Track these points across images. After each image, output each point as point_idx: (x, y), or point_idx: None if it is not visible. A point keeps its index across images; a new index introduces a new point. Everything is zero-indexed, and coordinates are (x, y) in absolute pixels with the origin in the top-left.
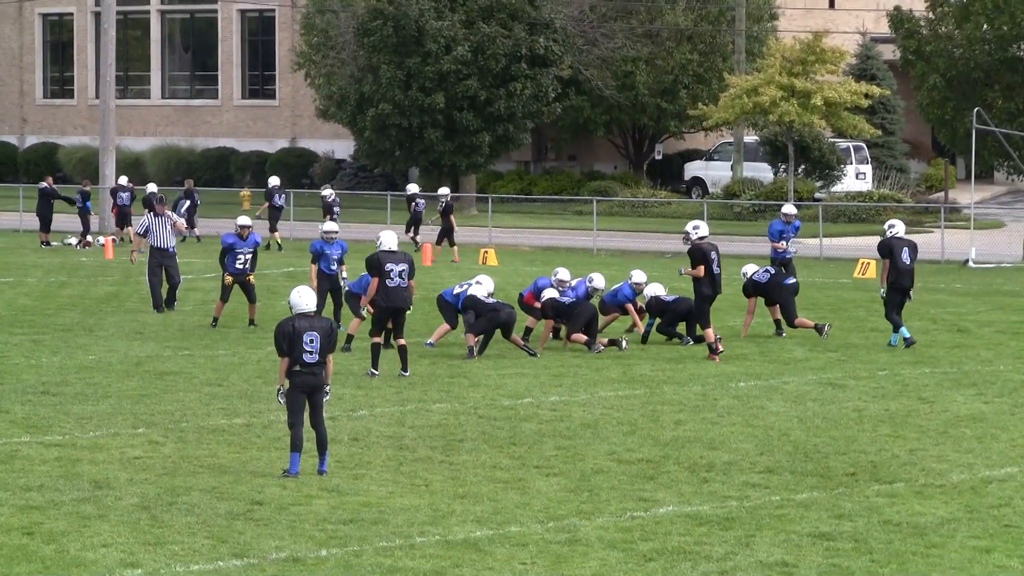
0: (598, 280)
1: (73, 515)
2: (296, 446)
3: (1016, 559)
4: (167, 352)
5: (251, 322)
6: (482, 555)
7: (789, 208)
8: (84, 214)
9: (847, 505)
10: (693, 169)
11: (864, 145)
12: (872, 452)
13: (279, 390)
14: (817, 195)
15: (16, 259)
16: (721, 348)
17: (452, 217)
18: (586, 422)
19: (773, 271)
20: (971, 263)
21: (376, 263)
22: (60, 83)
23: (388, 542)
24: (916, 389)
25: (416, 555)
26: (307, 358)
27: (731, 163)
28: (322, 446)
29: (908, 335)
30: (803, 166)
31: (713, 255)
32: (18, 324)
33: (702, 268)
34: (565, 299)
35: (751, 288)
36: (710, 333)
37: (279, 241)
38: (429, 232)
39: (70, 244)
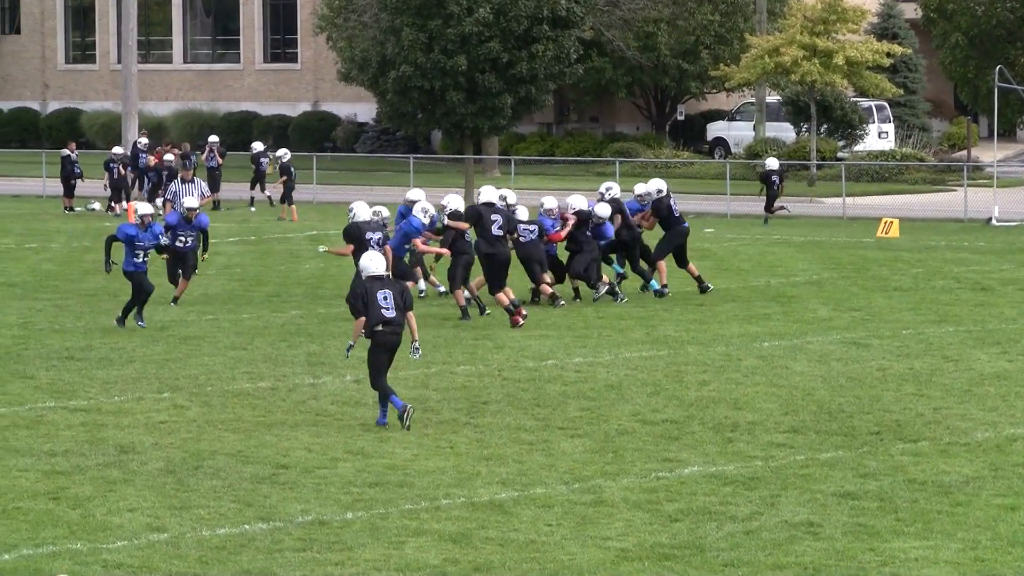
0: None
1: (99, 480)
2: (383, 399)
3: None
4: (191, 316)
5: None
6: (507, 517)
7: (639, 188)
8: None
9: (872, 464)
10: (715, 130)
11: (886, 104)
12: (896, 411)
13: (349, 346)
14: (840, 154)
15: (40, 225)
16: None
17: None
18: (610, 383)
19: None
20: (994, 221)
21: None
22: (82, 48)
23: (413, 504)
24: (940, 348)
25: (441, 517)
26: (386, 314)
27: (753, 123)
28: (392, 394)
29: (657, 286)
30: (825, 125)
31: (494, 217)
32: (42, 290)
33: (464, 225)
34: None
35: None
36: (461, 294)
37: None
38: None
39: (93, 209)
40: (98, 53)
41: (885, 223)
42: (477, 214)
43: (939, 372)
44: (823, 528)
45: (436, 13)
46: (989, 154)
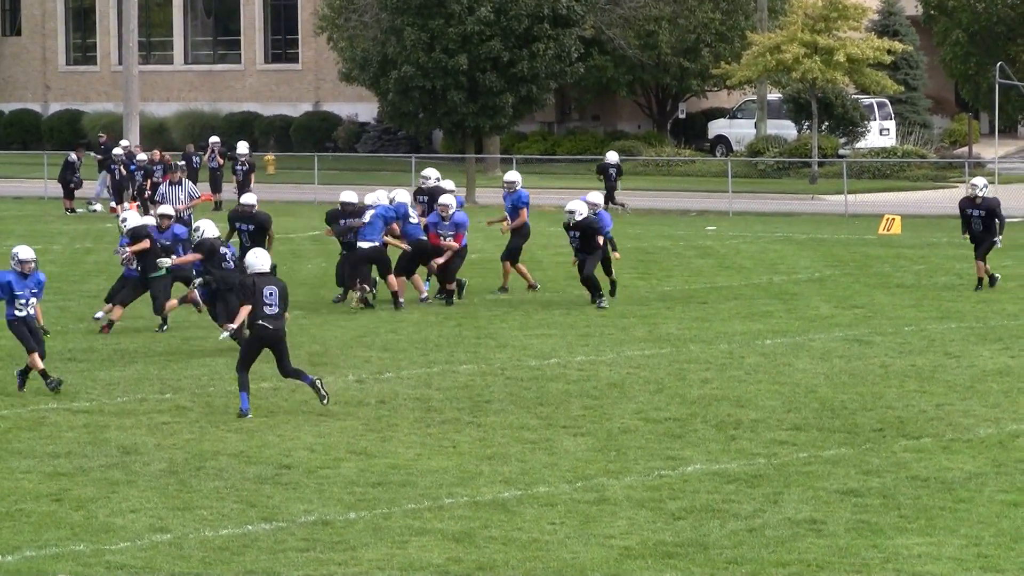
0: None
1: (101, 481)
2: (243, 387)
3: None
4: (193, 317)
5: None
6: (510, 516)
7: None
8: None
9: (875, 461)
10: (717, 127)
11: (887, 101)
12: (899, 408)
13: (233, 329)
14: (841, 152)
15: (42, 227)
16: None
17: (252, 176)
18: (613, 381)
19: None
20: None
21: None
22: (83, 50)
23: (416, 504)
24: (942, 344)
25: (445, 516)
26: (267, 310)
27: (755, 121)
28: (301, 375)
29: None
30: (827, 123)
31: (223, 250)
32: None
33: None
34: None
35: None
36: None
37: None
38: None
39: (94, 211)
40: (99, 54)
41: (887, 220)
42: (212, 248)
43: (941, 368)
44: (826, 525)
45: (437, 12)
46: (990, 150)
